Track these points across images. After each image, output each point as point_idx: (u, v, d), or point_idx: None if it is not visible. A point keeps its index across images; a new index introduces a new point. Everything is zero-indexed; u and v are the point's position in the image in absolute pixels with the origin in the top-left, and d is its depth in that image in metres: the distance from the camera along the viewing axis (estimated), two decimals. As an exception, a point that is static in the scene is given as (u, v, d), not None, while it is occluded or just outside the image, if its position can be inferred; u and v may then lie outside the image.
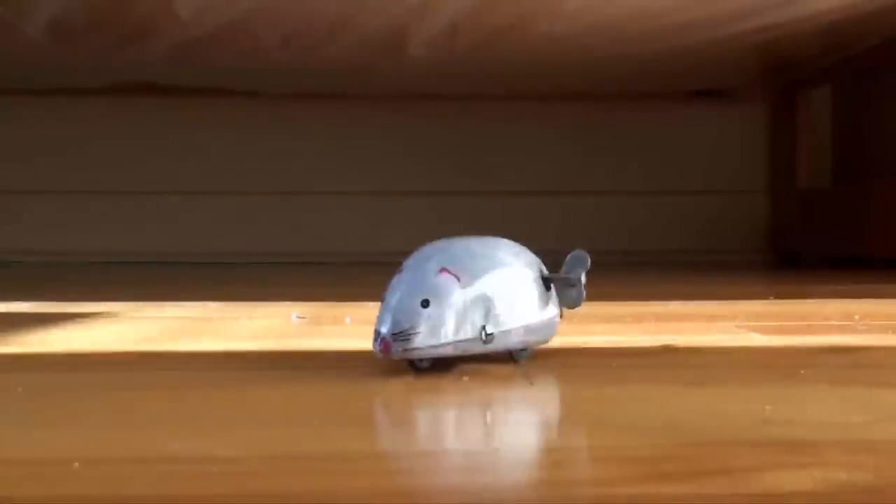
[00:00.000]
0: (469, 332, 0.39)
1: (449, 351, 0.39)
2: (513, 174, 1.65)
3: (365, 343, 0.51)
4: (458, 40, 1.22)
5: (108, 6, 1.11)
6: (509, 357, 0.43)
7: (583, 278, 0.43)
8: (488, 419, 0.32)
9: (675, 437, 0.29)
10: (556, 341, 0.51)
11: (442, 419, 0.32)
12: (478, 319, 0.39)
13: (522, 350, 0.42)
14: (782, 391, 0.37)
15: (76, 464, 0.26)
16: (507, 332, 0.40)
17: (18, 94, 1.55)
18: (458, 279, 0.39)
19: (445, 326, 0.38)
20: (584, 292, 0.43)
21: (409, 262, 0.41)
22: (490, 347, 0.40)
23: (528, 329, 0.41)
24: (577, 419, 0.32)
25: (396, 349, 0.38)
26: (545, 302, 0.42)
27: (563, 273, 0.43)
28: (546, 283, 0.42)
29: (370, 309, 0.70)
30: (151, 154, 1.61)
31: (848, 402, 0.35)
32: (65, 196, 1.59)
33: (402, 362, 0.40)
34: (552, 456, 0.27)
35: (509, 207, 1.63)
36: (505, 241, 0.43)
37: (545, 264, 0.43)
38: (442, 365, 0.40)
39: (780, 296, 0.84)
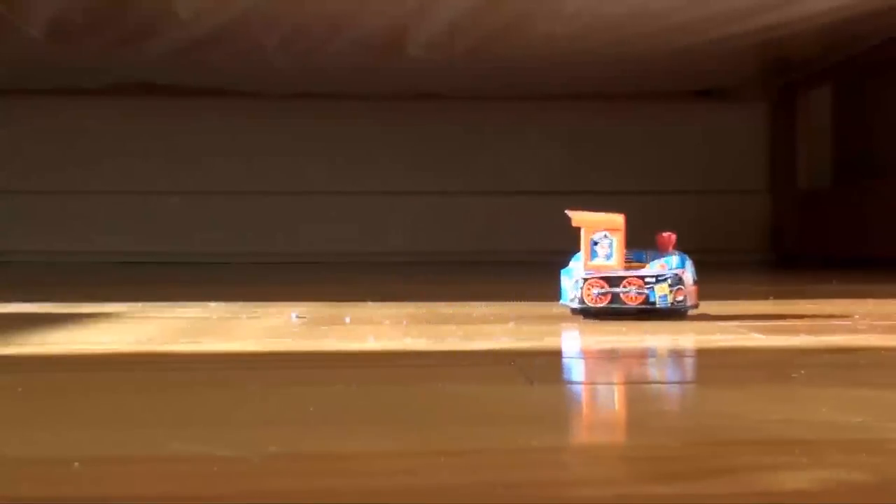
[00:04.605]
0: None
1: None
2: (513, 174, 1.65)
3: (364, 343, 0.51)
4: (458, 41, 1.22)
5: (108, 6, 1.11)
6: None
7: None
8: (487, 419, 0.32)
9: (675, 438, 0.29)
10: (557, 342, 0.51)
11: (439, 419, 0.32)
12: None
13: None
14: (782, 391, 0.37)
15: (76, 464, 0.26)
16: None
17: (18, 94, 1.55)
18: None
19: None
20: None
21: None
22: None
23: None
24: (578, 419, 0.32)
25: None
26: None
27: None
28: None
29: (370, 309, 0.70)
30: (151, 154, 1.61)
31: (848, 402, 0.35)
32: (65, 196, 1.60)
33: (404, 370, 0.40)
34: (552, 456, 0.27)
35: (509, 207, 1.63)
36: None
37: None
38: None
39: (780, 296, 0.84)
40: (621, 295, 0.60)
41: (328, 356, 0.47)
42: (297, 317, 0.64)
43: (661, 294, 0.60)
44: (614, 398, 0.36)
